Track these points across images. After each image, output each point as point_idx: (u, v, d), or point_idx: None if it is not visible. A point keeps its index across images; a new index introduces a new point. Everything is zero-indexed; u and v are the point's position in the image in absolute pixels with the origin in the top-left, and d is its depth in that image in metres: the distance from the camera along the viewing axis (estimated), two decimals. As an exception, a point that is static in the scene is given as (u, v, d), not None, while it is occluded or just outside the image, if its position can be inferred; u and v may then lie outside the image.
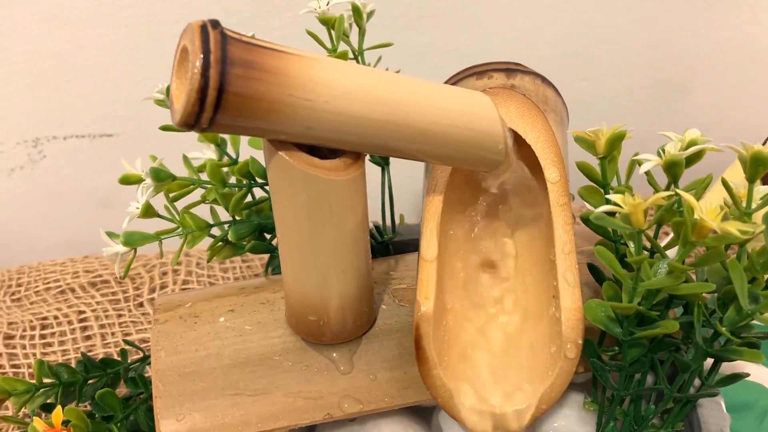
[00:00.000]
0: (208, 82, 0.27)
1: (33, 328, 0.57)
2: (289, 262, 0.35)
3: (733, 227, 0.29)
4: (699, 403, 0.39)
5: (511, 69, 0.41)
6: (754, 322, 0.34)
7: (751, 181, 0.34)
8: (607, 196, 0.32)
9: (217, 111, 0.28)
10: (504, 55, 0.74)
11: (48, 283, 0.61)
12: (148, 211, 0.42)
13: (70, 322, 0.58)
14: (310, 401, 0.37)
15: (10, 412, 0.51)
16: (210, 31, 0.28)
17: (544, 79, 0.42)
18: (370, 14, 0.46)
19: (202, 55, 0.27)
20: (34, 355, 0.56)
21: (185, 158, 0.44)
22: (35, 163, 0.74)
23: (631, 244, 0.32)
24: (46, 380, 0.44)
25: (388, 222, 0.48)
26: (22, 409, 0.45)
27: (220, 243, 0.44)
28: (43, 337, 0.57)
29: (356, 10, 0.45)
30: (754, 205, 0.34)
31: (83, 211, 0.76)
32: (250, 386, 0.37)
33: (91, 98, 0.70)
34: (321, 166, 0.32)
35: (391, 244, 0.48)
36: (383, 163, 0.48)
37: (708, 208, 0.30)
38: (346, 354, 0.38)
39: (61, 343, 0.56)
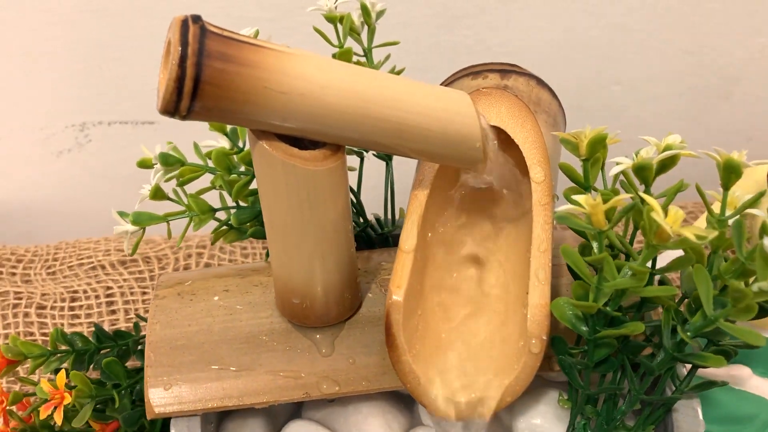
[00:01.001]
0: (185, 72, 0.29)
1: (63, 300, 0.61)
2: (273, 246, 0.37)
3: (690, 232, 0.30)
4: (675, 408, 0.39)
5: (506, 70, 0.42)
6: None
7: (725, 188, 0.34)
8: (572, 196, 0.33)
9: (194, 100, 0.30)
10: (536, 56, 0.74)
11: (81, 259, 0.65)
12: (158, 194, 0.45)
13: (97, 297, 0.61)
14: (290, 380, 0.39)
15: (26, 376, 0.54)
16: (190, 25, 0.30)
17: (539, 81, 0.43)
18: (380, 13, 0.47)
19: (180, 48, 0.29)
20: (63, 325, 0.59)
21: (196, 146, 0.46)
22: (81, 146, 0.78)
23: (595, 244, 0.32)
24: (61, 347, 0.47)
25: (390, 215, 0.50)
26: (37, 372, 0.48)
27: (225, 227, 0.46)
28: (71, 309, 0.61)
29: (365, 9, 0.46)
30: (729, 212, 0.34)
31: (123, 195, 0.80)
32: (234, 362, 0.39)
33: (135, 87, 0.73)
34: (299, 156, 0.34)
35: (390, 236, 0.49)
36: (387, 158, 0.49)
37: (671, 213, 0.31)
38: (329, 337, 0.40)
39: (88, 315, 0.60)
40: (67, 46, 0.70)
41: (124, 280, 0.63)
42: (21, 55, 0.70)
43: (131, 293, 0.62)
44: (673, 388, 0.38)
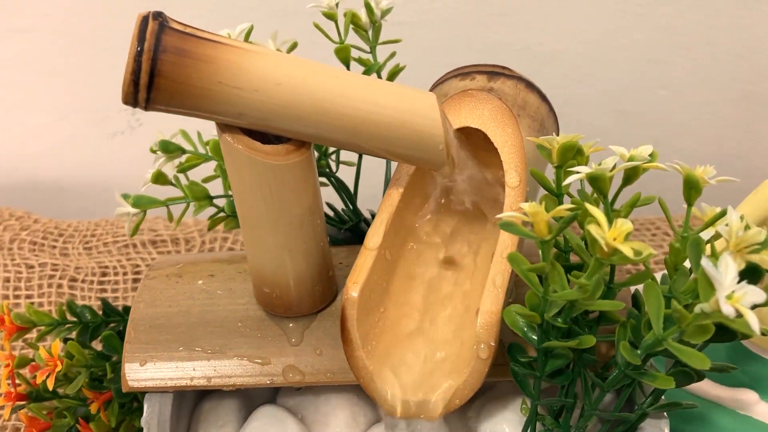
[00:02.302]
0: (141, 66, 0.31)
1: (94, 275, 0.64)
2: (245, 236, 0.39)
3: (628, 248, 0.29)
4: (641, 427, 0.38)
5: (495, 72, 0.42)
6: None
7: (688, 203, 0.33)
8: (521, 204, 0.32)
9: (150, 92, 0.31)
10: (575, 57, 0.73)
11: (116, 237, 0.69)
12: (159, 179, 0.47)
13: (125, 273, 0.64)
14: (257, 366, 0.40)
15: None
16: (150, 21, 0.31)
17: (528, 84, 0.42)
18: (386, 11, 0.48)
19: (137, 43, 0.31)
20: (90, 297, 0.63)
21: (199, 135, 0.48)
22: (133, 129, 0.82)
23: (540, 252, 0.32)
24: (71, 318, 0.50)
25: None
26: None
27: (222, 214, 0.48)
28: (101, 283, 0.64)
29: (368, 7, 0.47)
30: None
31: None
32: (208, 344, 0.41)
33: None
34: (261, 150, 0.35)
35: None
36: (387, 154, 0.49)
37: (617, 226, 0.30)
38: (300, 327, 0.41)
39: (114, 290, 0.63)
40: (119, 33, 0.74)
41: (152, 258, 0.66)
42: (86, 41, 0.74)
43: (156, 272, 0.65)
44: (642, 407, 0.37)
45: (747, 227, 0.31)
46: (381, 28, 0.48)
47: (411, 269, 0.40)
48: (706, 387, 0.51)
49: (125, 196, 0.47)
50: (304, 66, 0.34)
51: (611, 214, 0.33)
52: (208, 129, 0.49)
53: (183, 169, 0.47)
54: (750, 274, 0.33)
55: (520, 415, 0.40)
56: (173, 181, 0.47)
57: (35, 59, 0.76)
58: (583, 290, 0.32)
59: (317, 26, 0.46)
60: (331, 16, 0.46)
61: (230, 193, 0.48)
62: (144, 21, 0.31)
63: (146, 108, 0.32)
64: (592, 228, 0.29)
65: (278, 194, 0.36)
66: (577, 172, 0.33)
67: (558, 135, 0.35)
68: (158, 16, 0.32)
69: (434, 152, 0.36)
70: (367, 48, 0.48)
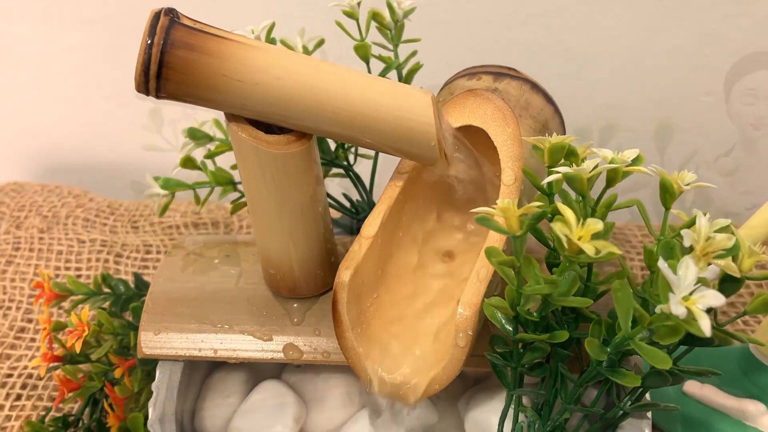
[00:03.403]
0: (150, 58, 0.34)
1: (138, 252, 0.69)
2: (252, 220, 0.41)
3: (591, 246, 0.30)
4: (621, 426, 0.39)
5: (501, 73, 0.43)
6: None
7: (665, 207, 0.34)
8: (497, 201, 0.33)
9: (159, 81, 0.34)
10: (615, 61, 0.72)
11: (162, 218, 0.73)
12: (188, 163, 0.50)
13: (167, 252, 0.68)
14: (259, 342, 0.43)
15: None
16: (161, 17, 0.34)
17: (533, 86, 0.43)
18: (409, 11, 0.50)
19: (148, 36, 0.34)
20: (132, 273, 0.67)
21: (216, 122, 0.51)
22: (189, 116, 0.86)
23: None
24: (105, 290, 0.54)
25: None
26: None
27: (243, 199, 0.51)
28: (144, 260, 0.68)
29: (390, 7, 0.49)
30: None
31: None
32: (217, 319, 0.44)
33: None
34: (264, 140, 0.37)
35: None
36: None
37: (586, 225, 0.31)
38: (302, 308, 0.44)
39: (155, 267, 0.68)
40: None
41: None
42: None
43: (195, 252, 0.69)
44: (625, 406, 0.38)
45: (718, 231, 0.31)
46: (403, 27, 0.50)
47: (406, 260, 0.42)
48: (711, 395, 0.51)
49: (156, 179, 0.51)
50: (304, 62, 0.36)
51: (588, 215, 0.34)
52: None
53: (210, 155, 0.50)
54: (730, 281, 0.33)
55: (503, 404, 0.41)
56: (200, 166, 0.50)
57: (100, 48, 0.81)
58: (554, 285, 0.33)
59: (339, 24, 0.48)
60: (351, 15, 0.48)
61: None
62: (156, 16, 0.34)
63: (157, 96, 0.35)
64: (557, 226, 0.31)
65: (280, 182, 0.38)
66: (557, 173, 0.34)
67: (563, 136, 0.36)
68: (170, 12, 0.35)
69: (426, 148, 0.38)
70: (389, 46, 0.50)
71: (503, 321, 0.36)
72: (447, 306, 0.41)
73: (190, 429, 0.43)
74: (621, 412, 0.38)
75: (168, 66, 0.34)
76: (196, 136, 0.50)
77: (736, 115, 0.41)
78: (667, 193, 0.33)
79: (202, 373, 0.46)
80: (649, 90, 0.74)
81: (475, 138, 0.42)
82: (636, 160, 0.35)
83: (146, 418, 0.44)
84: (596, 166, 0.34)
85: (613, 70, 0.73)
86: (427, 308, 0.41)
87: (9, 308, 0.64)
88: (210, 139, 0.50)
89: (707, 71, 0.72)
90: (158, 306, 0.45)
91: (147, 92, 0.35)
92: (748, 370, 0.51)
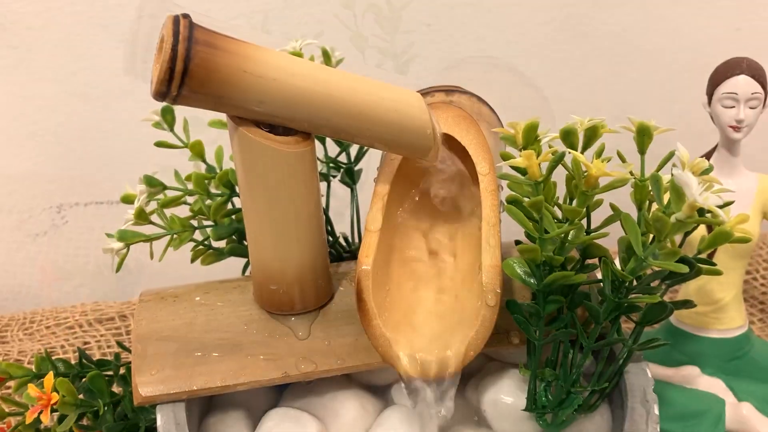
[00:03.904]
0: (177, 55, 0.35)
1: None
2: (252, 230, 0.41)
3: (609, 171, 0.35)
4: (627, 370, 0.42)
5: (450, 89, 0.49)
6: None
7: (641, 152, 0.40)
8: (521, 153, 0.38)
9: (184, 78, 0.35)
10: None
11: (59, 320, 0.67)
12: (141, 215, 0.49)
13: (74, 351, 0.63)
14: (269, 362, 0.42)
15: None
16: (181, 19, 0.36)
17: (479, 99, 0.49)
18: (339, 61, 0.54)
19: (173, 36, 0.35)
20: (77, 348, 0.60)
21: (176, 172, 0.51)
22: (57, 228, 0.81)
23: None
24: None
25: (356, 237, 0.54)
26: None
27: (202, 246, 0.50)
28: (49, 363, 0.62)
29: (325, 54, 0.53)
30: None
31: (97, 274, 0.82)
32: (217, 348, 0.42)
33: (111, 167, 0.78)
34: (274, 140, 0.39)
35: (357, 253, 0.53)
36: (351, 184, 0.54)
37: (595, 164, 0.36)
38: (305, 323, 0.43)
39: (65, 367, 0.61)
40: (51, 129, 0.76)
41: (101, 335, 0.65)
42: (7, 141, 0.75)
43: (108, 346, 0.64)
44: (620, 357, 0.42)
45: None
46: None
47: (401, 254, 0.44)
48: (654, 369, 0.57)
49: (109, 235, 0.49)
50: (310, 62, 0.39)
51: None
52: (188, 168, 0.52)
53: (164, 203, 0.49)
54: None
55: (516, 381, 0.44)
56: (156, 216, 0.49)
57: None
58: (575, 225, 0.37)
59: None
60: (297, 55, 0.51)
61: (207, 223, 0.50)
62: (176, 19, 0.36)
63: (177, 96, 0.36)
64: (580, 158, 0.35)
65: (289, 181, 0.39)
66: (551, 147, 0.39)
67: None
68: (187, 16, 0.36)
69: (423, 136, 0.41)
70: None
71: (523, 276, 0.39)
72: (450, 288, 0.43)
73: (208, 466, 0.40)
74: (626, 352, 0.42)
75: (193, 62, 0.35)
76: (152, 183, 0.49)
77: (718, 117, 0.49)
78: (645, 136, 0.39)
79: (195, 419, 0.43)
80: (633, 94, 0.82)
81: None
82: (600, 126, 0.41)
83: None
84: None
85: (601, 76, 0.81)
86: (432, 292, 0.43)
87: None
88: (164, 186, 0.50)
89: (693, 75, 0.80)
90: (148, 347, 0.42)
91: (168, 92, 0.36)
92: (675, 343, 0.57)
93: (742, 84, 0.51)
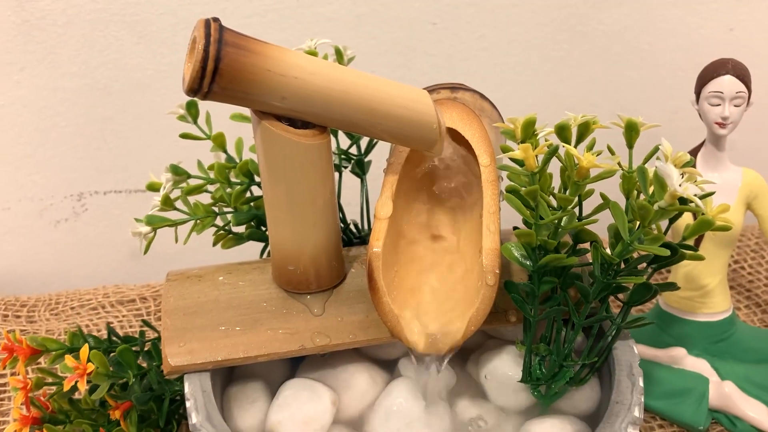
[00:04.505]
0: (209, 55, 0.38)
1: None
2: (272, 217, 0.45)
3: (601, 163, 0.39)
4: (615, 346, 0.46)
5: (455, 87, 0.52)
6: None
7: (629, 146, 0.44)
8: (518, 146, 0.41)
9: (215, 76, 0.39)
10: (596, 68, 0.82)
11: (82, 301, 0.71)
12: (167, 202, 0.53)
13: (99, 331, 0.67)
14: (287, 335, 0.45)
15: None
16: (211, 23, 0.39)
17: (482, 96, 0.53)
18: (351, 59, 0.58)
19: (205, 38, 0.39)
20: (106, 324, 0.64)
21: (199, 163, 0.55)
22: (78, 215, 0.85)
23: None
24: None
25: (365, 224, 0.58)
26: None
27: (223, 231, 0.54)
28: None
29: (338, 52, 0.57)
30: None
31: (115, 261, 0.86)
32: (240, 323, 0.46)
33: (130, 157, 0.82)
34: (294, 133, 0.42)
35: (366, 239, 0.57)
36: (361, 174, 0.58)
37: (585, 157, 0.40)
38: (320, 300, 0.47)
39: (90, 345, 0.65)
40: (73, 120, 0.79)
41: (123, 315, 0.69)
42: (32, 131, 0.79)
43: (130, 326, 0.68)
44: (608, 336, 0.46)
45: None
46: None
47: (411, 239, 0.48)
48: (644, 350, 0.61)
49: (138, 220, 0.52)
50: (329, 62, 0.43)
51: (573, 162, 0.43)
52: (203, 158, 0.56)
53: (188, 191, 0.53)
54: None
55: (512, 356, 0.47)
56: (181, 202, 0.53)
57: (-19, 151, 0.80)
58: (566, 211, 0.41)
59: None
60: (311, 53, 0.55)
61: (227, 209, 0.54)
62: (207, 23, 0.39)
63: (207, 93, 0.39)
64: (572, 151, 0.39)
65: (307, 170, 0.43)
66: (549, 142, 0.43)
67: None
68: (216, 20, 0.40)
69: (429, 130, 0.45)
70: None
71: (520, 258, 0.43)
72: (454, 269, 0.47)
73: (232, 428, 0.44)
74: (615, 329, 0.45)
75: (223, 61, 0.39)
76: (177, 171, 0.52)
77: (705, 114, 0.53)
78: (633, 131, 0.43)
79: (218, 387, 0.47)
80: (630, 91, 0.86)
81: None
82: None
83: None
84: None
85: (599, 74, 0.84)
86: (437, 273, 0.47)
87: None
88: (189, 176, 0.53)
89: (687, 74, 0.84)
90: (177, 321, 0.46)
91: (199, 89, 0.39)
92: (664, 326, 0.61)
93: (727, 83, 0.54)
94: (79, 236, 0.85)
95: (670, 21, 0.84)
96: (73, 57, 0.76)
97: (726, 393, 0.57)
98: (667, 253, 0.40)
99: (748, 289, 0.72)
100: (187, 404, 0.43)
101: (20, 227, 0.83)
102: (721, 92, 0.54)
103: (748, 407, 0.57)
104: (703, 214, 0.40)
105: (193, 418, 0.42)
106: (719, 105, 0.55)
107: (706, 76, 0.55)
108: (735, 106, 0.55)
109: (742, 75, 0.55)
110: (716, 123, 0.55)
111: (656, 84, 0.86)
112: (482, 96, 0.53)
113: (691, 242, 0.54)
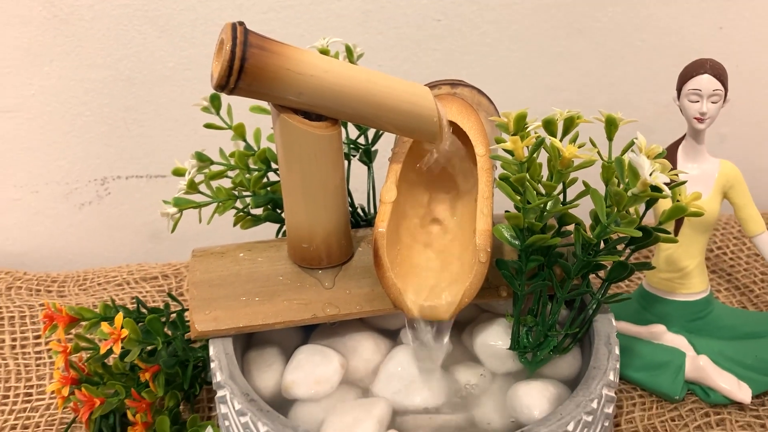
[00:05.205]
0: (235, 55, 0.43)
1: (95, 308, 0.72)
2: (288, 200, 0.50)
3: (579, 153, 0.44)
4: (595, 319, 0.51)
5: (455, 83, 0.57)
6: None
7: (609, 139, 0.49)
8: (506, 138, 0.46)
9: (240, 74, 0.44)
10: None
11: (108, 278, 0.76)
12: (192, 185, 0.58)
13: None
14: (301, 306, 0.51)
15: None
16: (237, 26, 0.44)
17: (479, 91, 0.58)
18: (360, 55, 0.63)
19: (232, 40, 0.44)
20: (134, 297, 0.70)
21: (221, 150, 0.60)
22: (101, 198, 0.90)
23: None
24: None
25: (372, 208, 0.63)
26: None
27: (242, 213, 0.59)
28: (103, 314, 0.71)
29: (348, 50, 0.62)
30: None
31: (135, 242, 0.92)
32: (259, 294, 0.51)
33: (151, 144, 0.87)
34: (309, 124, 0.47)
35: (372, 222, 0.62)
36: (368, 163, 0.63)
37: (568, 149, 0.45)
38: (330, 275, 0.52)
39: (117, 318, 0.71)
40: (97, 110, 0.85)
41: (147, 291, 0.74)
42: (59, 119, 0.84)
43: (153, 301, 0.73)
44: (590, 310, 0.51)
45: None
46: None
47: (412, 221, 0.53)
48: (626, 327, 0.66)
49: (166, 201, 0.58)
50: (340, 62, 0.48)
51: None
52: (226, 146, 0.62)
53: (211, 176, 0.58)
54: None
55: (504, 327, 0.53)
56: (204, 186, 0.58)
57: (14, 138, 0.85)
58: (551, 197, 0.46)
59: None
60: (324, 53, 0.60)
61: (246, 193, 0.59)
62: (233, 26, 0.44)
63: (233, 89, 0.44)
64: (556, 143, 0.44)
65: (320, 158, 0.48)
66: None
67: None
68: (242, 23, 0.45)
69: (430, 123, 0.50)
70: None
71: (509, 238, 0.48)
72: (451, 249, 0.52)
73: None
74: (596, 304, 0.51)
75: (248, 61, 0.44)
76: (201, 158, 0.58)
77: (685, 109, 0.58)
78: (612, 126, 0.48)
79: (239, 352, 0.52)
80: (624, 85, 0.90)
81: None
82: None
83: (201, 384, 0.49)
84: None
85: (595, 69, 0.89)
86: (435, 252, 0.52)
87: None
88: (212, 162, 0.59)
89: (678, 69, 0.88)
90: (202, 292, 0.51)
91: (226, 85, 0.44)
92: (646, 305, 0.66)
93: (705, 82, 0.59)
94: (102, 218, 0.91)
95: (662, 19, 0.89)
96: (98, 50, 0.82)
97: (701, 366, 0.62)
98: (639, 234, 0.45)
99: (729, 273, 0.77)
100: (212, 365, 0.48)
101: (48, 209, 0.89)
102: (700, 90, 0.59)
103: (720, 379, 0.62)
104: (678, 201, 0.45)
105: (218, 377, 0.47)
106: (698, 102, 0.59)
107: (687, 75, 0.60)
108: (712, 102, 0.59)
109: (719, 74, 0.59)
110: (695, 118, 0.60)
111: (649, 78, 0.91)
112: (480, 92, 0.58)
113: (671, 227, 0.60)
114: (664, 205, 0.59)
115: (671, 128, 0.66)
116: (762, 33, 0.90)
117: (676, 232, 0.62)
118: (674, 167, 0.62)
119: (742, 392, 0.61)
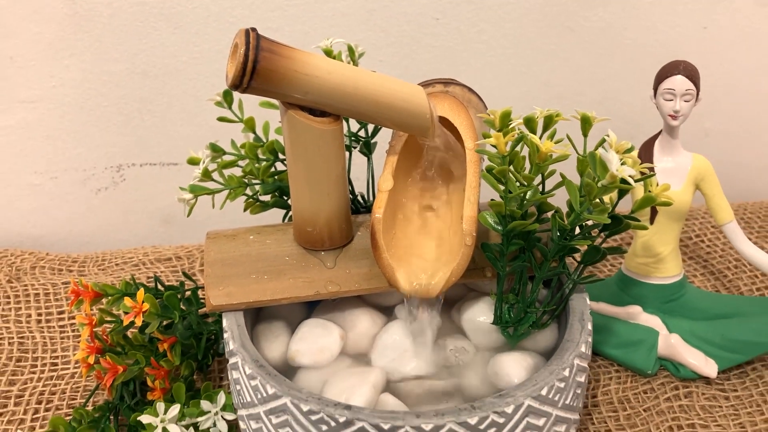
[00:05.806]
0: (248, 58, 0.49)
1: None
2: (294, 188, 0.56)
3: (557, 149, 0.49)
4: (571, 298, 0.57)
5: (447, 81, 0.62)
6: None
7: (584, 135, 0.54)
8: (490, 133, 0.51)
9: (252, 75, 0.49)
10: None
11: (125, 259, 0.82)
12: (206, 173, 0.63)
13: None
14: (305, 283, 0.56)
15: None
16: (250, 32, 0.50)
17: (470, 89, 0.63)
18: (361, 54, 0.68)
19: (245, 45, 0.49)
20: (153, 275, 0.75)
21: (232, 141, 0.65)
22: (116, 185, 0.96)
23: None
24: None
25: (370, 196, 0.69)
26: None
27: (252, 199, 0.65)
28: (121, 292, 0.77)
29: (350, 49, 0.67)
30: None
31: (149, 227, 0.97)
32: (267, 272, 0.56)
33: (164, 134, 0.92)
34: (314, 120, 0.53)
35: (371, 209, 0.67)
36: (368, 154, 0.68)
37: (545, 144, 0.50)
38: (332, 256, 0.58)
39: (134, 295, 0.76)
40: (114, 101, 0.90)
41: (161, 271, 0.80)
42: (78, 109, 0.89)
43: (168, 280, 0.79)
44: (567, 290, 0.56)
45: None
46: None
47: (407, 208, 0.58)
48: (605, 308, 0.71)
49: (182, 188, 0.63)
50: (343, 63, 0.53)
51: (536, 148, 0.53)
52: (236, 137, 0.67)
53: (224, 165, 0.64)
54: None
55: (488, 305, 0.58)
56: (217, 174, 0.64)
57: (36, 127, 0.90)
58: (531, 187, 0.51)
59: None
60: (328, 53, 0.65)
61: (255, 181, 0.64)
62: (247, 32, 0.49)
63: (246, 88, 0.50)
64: (534, 138, 0.49)
65: (323, 150, 0.53)
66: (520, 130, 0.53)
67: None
68: (254, 29, 0.50)
69: (423, 119, 0.55)
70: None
71: (493, 224, 0.53)
72: (442, 235, 0.57)
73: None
74: (571, 284, 0.56)
75: (260, 63, 0.49)
76: (215, 148, 0.63)
77: (660, 107, 0.63)
78: (587, 123, 0.53)
79: (249, 325, 0.58)
80: (613, 82, 0.95)
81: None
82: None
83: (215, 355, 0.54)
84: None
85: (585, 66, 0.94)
86: (427, 237, 0.57)
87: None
88: (224, 152, 0.64)
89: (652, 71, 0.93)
90: (217, 270, 0.56)
91: (240, 85, 0.50)
92: (624, 287, 0.72)
93: (678, 82, 0.64)
94: (118, 203, 0.96)
95: (650, 19, 0.93)
96: (116, 45, 0.87)
97: (672, 344, 0.68)
98: (608, 221, 0.50)
99: (705, 260, 0.83)
100: (225, 335, 0.54)
101: (66, 194, 0.94)
102: (673, 89, 0.64)
103: (689, 356, 0.67)
104: (649, 191, 0.50)
105: (230, 345, 0.53)
106: (672, 100, 0.65)
107: (662, 75, 0.65)
108: (685, 101, 0.64)
109: (692, 75, 0.64)
110: (669, 115, 0.65)
111: (637, 75, 0.96)
112: (471, 90, 0.63)
113: (645, 215, 0.65)
114: (639, 195, 0.65)
115: (659, 122, 0.71)
116: (744, 32, 0.94)
117: (652, 220, 0.68)
118: (651, 160, 0.67)
119: (709, 368, 0.66)
